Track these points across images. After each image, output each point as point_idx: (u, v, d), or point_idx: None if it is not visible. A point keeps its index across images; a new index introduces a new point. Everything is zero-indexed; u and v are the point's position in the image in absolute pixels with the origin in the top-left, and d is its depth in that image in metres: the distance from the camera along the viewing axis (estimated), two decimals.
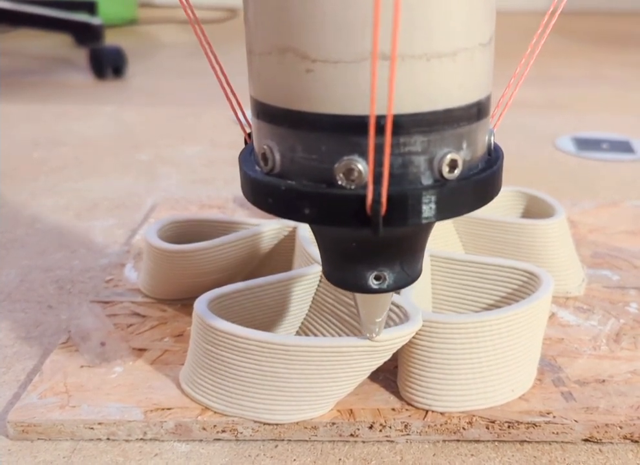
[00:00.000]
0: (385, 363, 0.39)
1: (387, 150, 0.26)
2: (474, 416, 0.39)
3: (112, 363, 0.44)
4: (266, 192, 0.29)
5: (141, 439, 0.40)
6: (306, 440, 0.40)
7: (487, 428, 0.39)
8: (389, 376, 0.43)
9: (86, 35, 1.37)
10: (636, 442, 0.39)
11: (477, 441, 0.40)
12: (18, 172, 0.82)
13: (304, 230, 0.50)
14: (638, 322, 0.49)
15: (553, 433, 0.39)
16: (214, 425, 0.39)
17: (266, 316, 0.45)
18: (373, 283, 0.32)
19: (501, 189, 0.57)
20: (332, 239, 0.32)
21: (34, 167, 0.84)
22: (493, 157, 0.31)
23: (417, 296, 0.43)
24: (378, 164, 0.26)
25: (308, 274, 0.45)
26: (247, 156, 0.32)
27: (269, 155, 0.29)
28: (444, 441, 0.40)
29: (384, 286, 0.32)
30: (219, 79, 0.32)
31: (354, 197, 0.27)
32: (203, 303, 0.41)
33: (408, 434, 0.39)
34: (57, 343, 0.47)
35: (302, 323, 0.46)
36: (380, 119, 0.26)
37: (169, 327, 0.48)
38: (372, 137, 0.26)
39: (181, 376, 0.42)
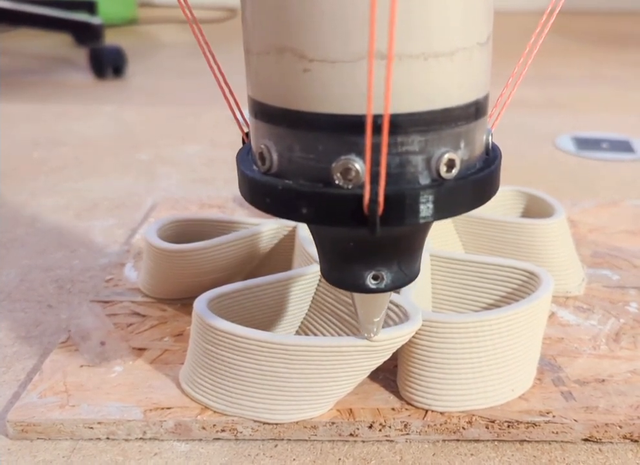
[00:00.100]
0: (385, 362, 0.39)
1: (384, 149, 0.26)
2: (473, 415, 0.39)
3: (111, 362, 0.44)
4: (263, 191, 0.29)
5: (140, 438, 0.40)
6: (306, 440, 0.40)
7: (487, 428, 0.39)
8: (389, 375, 0.43)
9: (86, 34, 1.37)
10: (636, 441, 0.39)
11: (477, 441, 0.40)
12: (18, 172, 0.82)
13: (304, 230, 0.50)
14: (638, 322, 0.49)
15: (553, 432, 0.39)
16: (214, 425, 0.39)
17: (266, 315, 0.45)
18: (371, 282, 0.32)
19: (502, 189, 0.58)
20: (330, 238, 0.32)
21: (34, 167, 0.84)
22: (491, 156, 0.31)
23: (417, 295, 0.43)
24: (375, 163, 0.26)
25: (308, 274, 0.45)
26: (244, 156, 0.32)
27: (267, 155, 0.29)
28: (444, 441, 0.40)
29: (382, 286, 0.32)
30: (217, 79, 0.32)
31: (351, 197, 0.27)
32: (203, 303, 0.41)
33: (407, 434, 0.39)
34: (57, 343, 0.47)
35: (301, 322, 0.46)
36: (377, 119, 0.26)
37: (168, 326, 0.48)
38: (368, 136, 0.25)
39: (181, 375, 0.42)
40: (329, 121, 0.27)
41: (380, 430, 0.39)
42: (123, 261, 0.57)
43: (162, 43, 1.73)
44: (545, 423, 0.39)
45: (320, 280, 0.45)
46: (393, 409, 0.40)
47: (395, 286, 0.32)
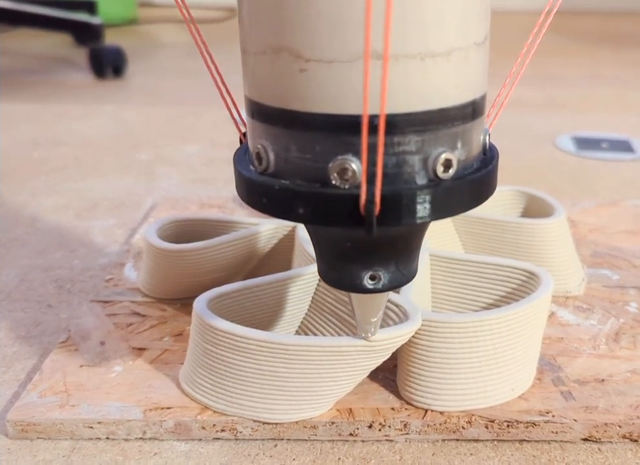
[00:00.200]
0: (384, 362, 0.39)
1: (380, 149, 0.26)
2: (473, 415, 0.39)
3: (111, 362, 0.44)
4: (260, 191, 0.29)
5: (140, 438, 0.40)
6: (306, 440, 0.40)
7: (487, 427, 0.39)
8: (388, 375, 0.43)
9: (86, 34, 1.37)
10: (635, 441, 0.39)
11: (476, 440, 0.40)
12: (18, 172, 0.82)
13: (303, 230, 0.50)
14: (637, 322, 0.49)
15: (553, 432, 0.39)
16: (214, 425, 0.39)
17: (266, 315, 0.45)
18: (368, 283, 0.32)
19: (501, 189, 0.58)
20: (327, 239, 0.32)
21: (34, 167, 0.84)
22: (488, 156, 0.31)
23: (416, 295, 0.43)
24: (372, 163, 0.26)
25: (307, 274, 0.45)
26: (241, 156, 0.32)
27: (264, 155, 0.29)
28: (443, 440, 0.40)
29: (380, 286, 0.32)
30: (214, 78, 0.33)
31: (348, 197, 0.27)
32: (203, 303, 0.41)
33: (407, 434, 0.39)
34: (56, 343, 0.47)
35: (301, 322, 0.46)
36: (373, 119, 0.26)
37: (168, 326, 0.48)
38: (364, 136, 0.25)
39: (180, 375, 0.42)
40: (325, 121, 0.27)
41: (380, 430, 0.39)
42: (123, 261, 0.57)
43: (162, 43, 1.73)
44: (545, 423, 0.39)
45: (319, 280, 0.45)
46: (393, 408, 0.40)
47: (393, 286, 0.32)
